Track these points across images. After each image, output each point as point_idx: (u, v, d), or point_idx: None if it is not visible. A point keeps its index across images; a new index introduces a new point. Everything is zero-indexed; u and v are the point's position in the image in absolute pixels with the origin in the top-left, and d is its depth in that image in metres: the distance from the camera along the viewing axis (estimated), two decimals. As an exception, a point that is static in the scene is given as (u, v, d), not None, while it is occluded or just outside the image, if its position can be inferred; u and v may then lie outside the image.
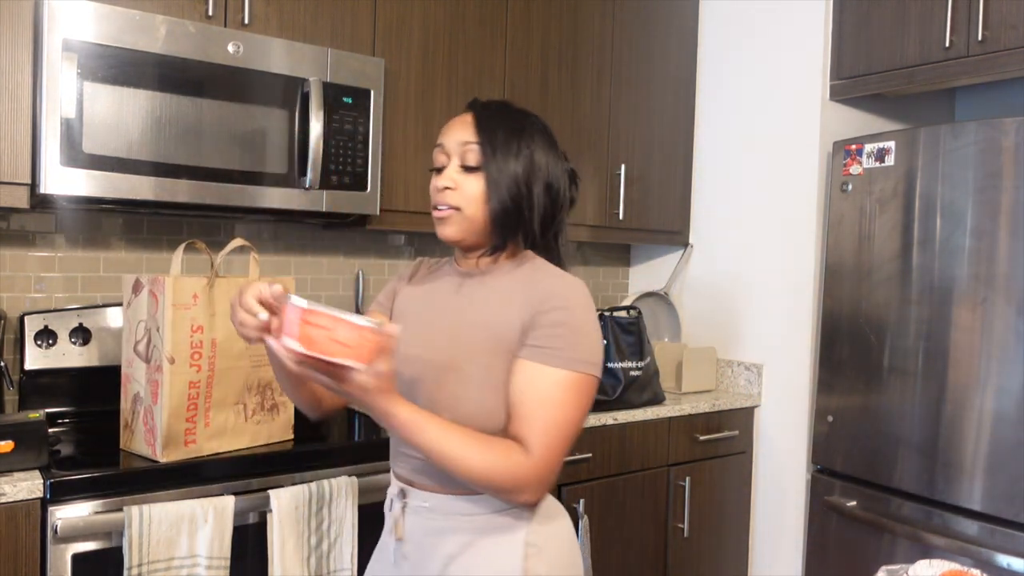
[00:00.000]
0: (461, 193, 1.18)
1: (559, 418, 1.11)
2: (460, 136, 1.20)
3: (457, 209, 1.19)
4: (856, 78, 2.39)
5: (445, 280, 1.28)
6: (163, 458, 1.59)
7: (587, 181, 2.52)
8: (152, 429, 1.60)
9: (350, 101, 1.95)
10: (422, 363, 1.20)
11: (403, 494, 1.22)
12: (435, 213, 1.22)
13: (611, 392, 2.29)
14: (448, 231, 1.22)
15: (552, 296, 1.15)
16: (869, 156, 2.24)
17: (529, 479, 1.09)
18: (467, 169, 1.19)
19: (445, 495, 1.18)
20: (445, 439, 1.08)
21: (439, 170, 1.23)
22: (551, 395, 1.11)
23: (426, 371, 1.20)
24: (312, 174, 1.88)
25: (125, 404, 1.69)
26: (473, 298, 1.22)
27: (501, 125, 1.20)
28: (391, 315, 1.34)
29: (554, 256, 1.26)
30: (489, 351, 1.16)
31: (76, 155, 1.62)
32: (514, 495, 1.11)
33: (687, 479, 2.41)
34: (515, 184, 1.18)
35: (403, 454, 1.23)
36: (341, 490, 1.70)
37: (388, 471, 1.29)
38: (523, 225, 1.21)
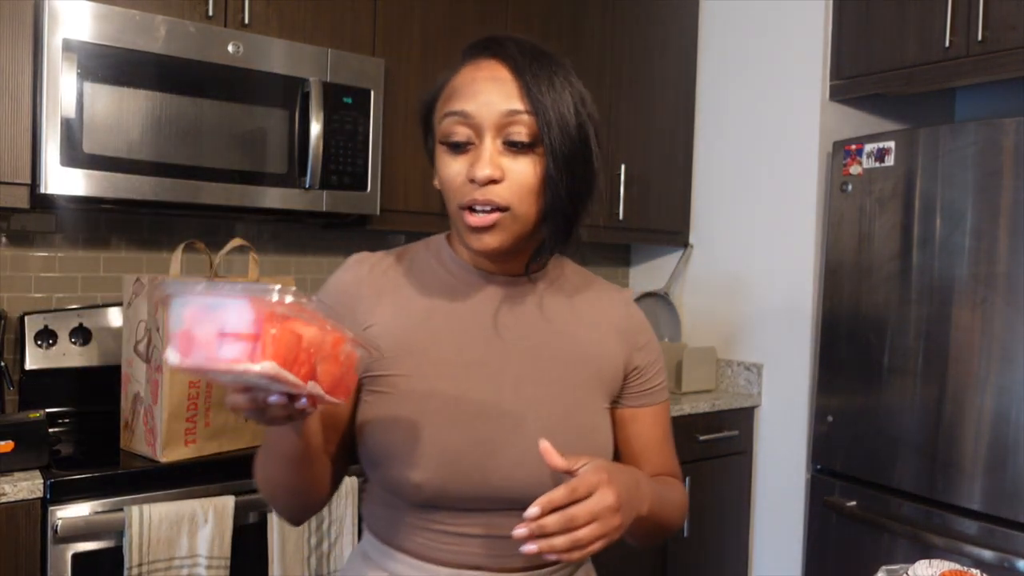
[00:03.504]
0: (509, 184, 0.85)
1: (674, 448, 1.05)
2: (500, 102, 0.85)
3: (506, 210, 0.85)
4: (856, 78, 2.39)
5: (476, 292, 0.95)
6: (163, 458, 1.59)
7: (587, 181, 2.51)
8: (152, 429, 1.60)
9: (350, 101, 1.95)
10: (496, 415, 0.90)
11: None
12: (472, 219, 0.85)
13: (611, 392, 2.29)
14: (491, 241, 0.86)
15: (641, 327, 1.01)
16: (869, 156, 2.24)
17: (686, 509, 1.02)
18: (514, 148, 0.85)
19: (540, 571, 0.92)
20: (665, 499, 0.94)
21: (458, 146, 0.87)
22: (667, 426, 1.04)
23: (500, 425, 0.89)
24: (312, 174, 1.88)
25: (125, 404, 1.69)
26: (554, 320, 0.95)
27: (547, 78, 0.86)
28: (378, 358, 0.91)
29: (571, 250, 0.98)
30: (591, 391, 0.95)
31: (76, 155, 1.62)
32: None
33: (687, 479, 2.41)
34: (581, 162, 0.87)
35: (470, 536, 0.90)
36: (341, 490, 1.70)
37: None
38: (584, 210, 0.91)
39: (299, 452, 0.84)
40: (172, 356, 0.66)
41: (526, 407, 0.90)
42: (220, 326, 0.64)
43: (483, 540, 0.89)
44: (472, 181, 0.84)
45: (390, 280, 0.96)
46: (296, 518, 0.95)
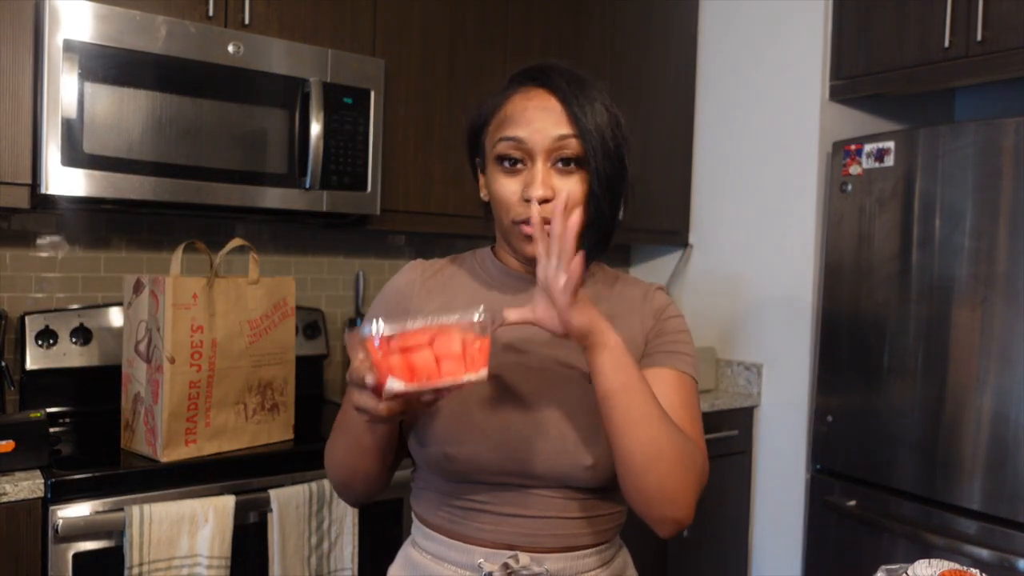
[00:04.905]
0: (559, 200, 0.93)
1: (700, 423, 1.02)
2: (551, 129, 0.96)
3: None
4: (856, 78, 2.40)
5: (519, 293, 1.05)
6: (164, 458, 1.59)
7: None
8: (153, 429, 1.61)
9: (350, 101, 1.95)
10: (530, 404, 0.99)
11: (507, 568, 0.96)
12: (528, 229, 0.97)
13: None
14: None
15: (668, 307, 1.07)
16: (869, 156, 2.24)
17: (703, 481, 0.95)
18: (563, 168, 0.97)
19: (572, 553, 0.98)
20: (652, 397, 0.91)
21: (513, 163, 0.98)
22: (692, 401, 1.01)
23: (533, 414, 0.98)
24: (312, 174, 1.88)
25: (126, 404, 1.69)
26: None
27: (589, 103, 0.97)
28: None
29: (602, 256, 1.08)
30: None
31: (77, 155, 1.62)
32: (686, 502, 0.92)
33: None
34: (619, 177, 1.00)
35: (503, 515, 0.98)
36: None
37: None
38: (617, 223, 1.03)
39: (383, 441, 0.98)
40: (396, 384, 0.77)
41: (546, 392, 0.99)
42: (440, 349, 0.79)
43: (518, 519, 0.97)
44: (527, 200, 0.96)
45: (439, 282, 1.09)
46: (361, 500, 1.07)
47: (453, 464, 0.97)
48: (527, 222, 0.97)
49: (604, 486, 0.99)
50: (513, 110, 0.99)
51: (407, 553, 1.07)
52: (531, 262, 0.99)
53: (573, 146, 0.96)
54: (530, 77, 1.01)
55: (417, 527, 1.06)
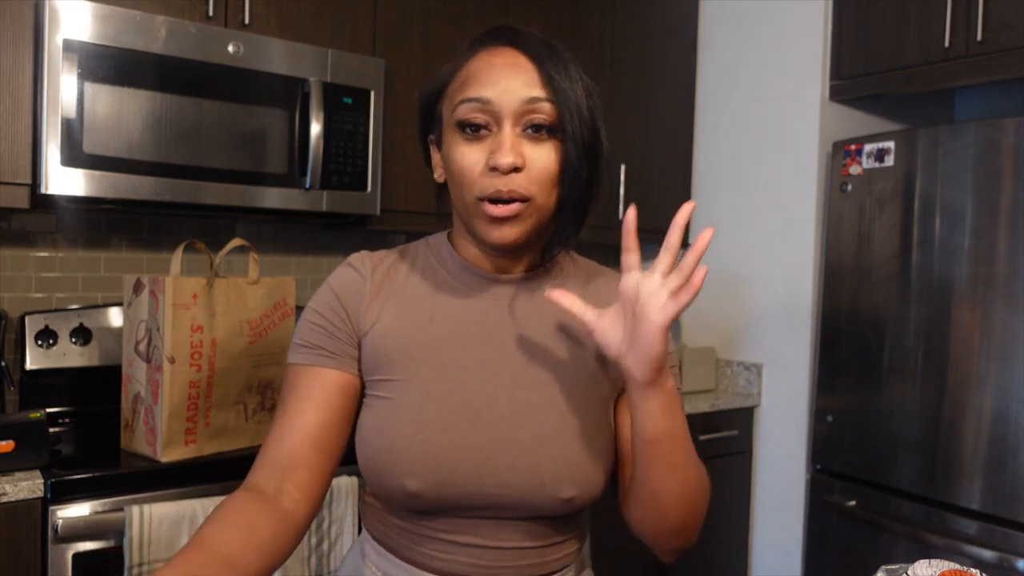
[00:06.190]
0: (529, 173, 0.83)
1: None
2: (521, 89, 0.83)
3: (526, 200, 0.83)
4: (856, 78, 2.40)
5: (479, 294, 0.92)
6: (164, 458, 1.59)
7: (587, 181, 2.52)
8: (153, 429, 1.60)
9: (350, 101, 1.95)
10: (491, 422, 0.88)
11: None
12: (494, 209, 0.83)
13: (611, 392, 2.29)
14: (511, 233, 0.84)
15: None
16: (869, 156, 2.24)
17: (709, 497, 0.91)
18: (535, 136, 0.83)
19: None
20: (690, 442, 0.85)
21: (476, 129, 0.84)
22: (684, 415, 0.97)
23: (495, 432, 0.87)
24: (312, 174, 1.88)
25: (126, 404, 1.69)
26: (556, 319, 0.92)
27: (563, 67, 0.86)
28: (381, 361, 0.90)
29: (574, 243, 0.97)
30: (593, 390, 0.91)
31: (76, 155, 1.62)
32: (697, 533, 0.89)
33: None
34: (595, 150, 0.87)
35: (459, 544, 0.88)
36: (341, 490, 1.70)
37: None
38: (596, 200, 0.90)
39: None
40: None
41: (522, 413, 0.88)
42: None
43: (475, 549, 0.88)
44: (493, 169, 0.82)
45: (392, 280, 0.94)
46: None
47: (414, 501, 0.87)
48: (493, 200, 0.82)
49: (574, 513, 0.91)
50: (477, 68, 0.86)
51: (356, 566, 0.98)
52: (499, 252, 0.89)
53: (547, 111, 0.83)
54: (495, 36, 0.90)
55: (369, 542, 0.96)
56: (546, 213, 0.87)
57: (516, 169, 0.82)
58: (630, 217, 0.81)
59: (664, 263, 0.78)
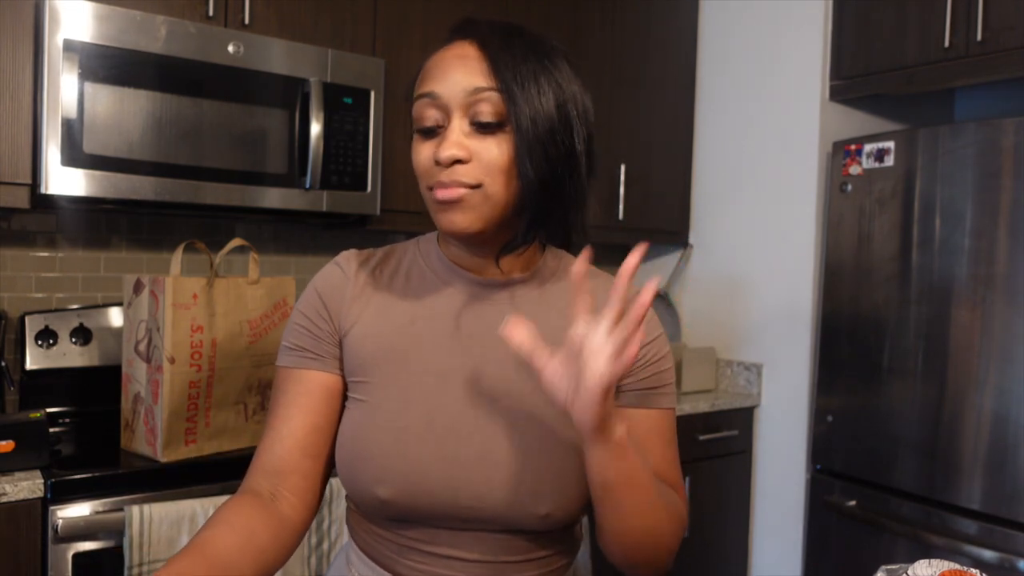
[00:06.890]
0: (476, 164, 0.81)
1: (678, 457, 0.94)
2: (465, 80, 0.82)
3: (475, 187, 0.82)
4: (856, 78, 2.40)
5: (464, 297, 0.90)
6: (164, 458, 1.59)
7: (587, 181, 2.52)
8: (153, 429, 1.61)
9: (350, 101, 1.95)
10: (468, 432, 0.86)
11: None
12: (439, 194, 0.82)
13: (611, 392, 2.29)
14: (461, 220, 0.83)
15: (649, 322, 0.90)
16: (868, 156, 2.25)
17: (685, 527, 0.89)
18: (482, 128, 0.82)
19: None
20: (659, 488, 0.83)
21: (428, 131, 0.84)
22: (674, 436, 0.93)
23: (472, 443, 0.85)
24: (312, 174, 1.88)
25: (126, 404, 1.69)
26: (542, 325, 0.84)
27: (520, 56, 0.83)
28: (359, 363, 0.90)
29: (570, 242, 0.94)
30: None
31: (77, 155, 1.62)
32: (670, 562, 0.86)
33: (687, 479, 2.42)
34: (555, 140, 0.82)
35: (438, 556, 0.87)
36: (341, 490, 1.70)
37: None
38: (563, 200, 0.86)
39: None
40: None
41: (501, 424, 0.85)
42: None
43: (454, 561, 0.87)
44: (438, 163, 0.82)
45: (376, 280, 0.93)
46: None
47: (386, 509, 0.86)
48: (438, 187, 0.82)
49: (557, 528, 0.88)
50: (432, 64, 0.85)
51: (342, 572, 0.97)
52: (461, 243, 0.88)
53: (493, 101, 0.81)
54: (456, 30, 0.87)
55: (354, 549, 0.95)
56: (500, 203, 0.83)
57: (460, 161, 0.81)
58: (631, 263, 0.76)
59: (612, 313, 0.73)
